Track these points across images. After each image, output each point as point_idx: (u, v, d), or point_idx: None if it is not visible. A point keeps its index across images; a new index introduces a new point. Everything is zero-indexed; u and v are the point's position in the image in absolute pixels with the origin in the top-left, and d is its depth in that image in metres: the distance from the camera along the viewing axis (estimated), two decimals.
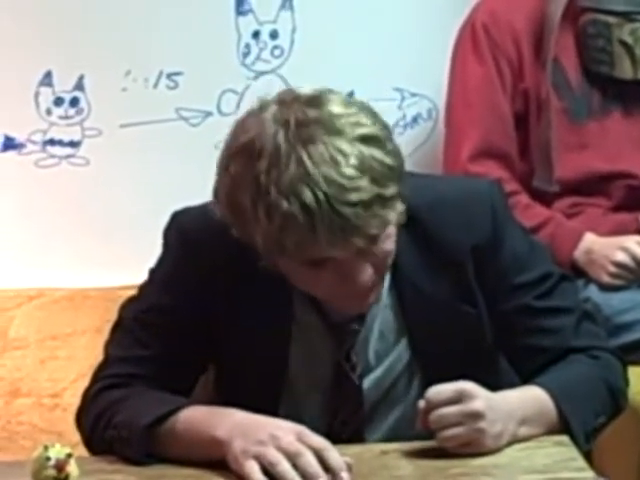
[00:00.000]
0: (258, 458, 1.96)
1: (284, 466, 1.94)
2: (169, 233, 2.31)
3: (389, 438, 2.28)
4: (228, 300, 2.26)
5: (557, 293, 2.29)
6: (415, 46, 3.21)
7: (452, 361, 2.26)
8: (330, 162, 1.97)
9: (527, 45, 3.11)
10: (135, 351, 2.29)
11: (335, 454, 1.97)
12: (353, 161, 1.98)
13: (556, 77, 3.10)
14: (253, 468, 1.95)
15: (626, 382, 2.34)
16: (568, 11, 3.08)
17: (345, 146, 1.99)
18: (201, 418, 2.13)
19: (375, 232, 2.00)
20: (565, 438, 2.16)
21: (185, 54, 3.45)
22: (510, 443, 2.12)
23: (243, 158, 2.03)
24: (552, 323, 2.28)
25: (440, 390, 2.05)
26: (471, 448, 2.05)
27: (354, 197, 1.97)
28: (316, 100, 2.05)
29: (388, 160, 2.02)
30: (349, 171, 1.97)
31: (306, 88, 2.09)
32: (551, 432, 2.17)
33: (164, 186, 3.28)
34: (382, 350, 2.30)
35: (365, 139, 2.02)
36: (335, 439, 2.13)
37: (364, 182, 1.98)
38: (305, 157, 1.97)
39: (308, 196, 1.96)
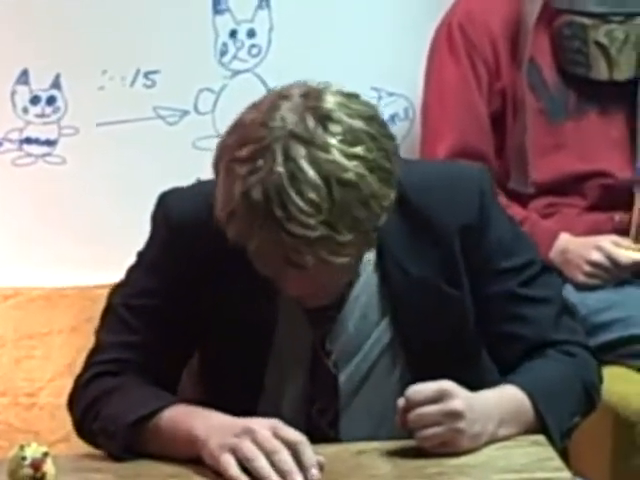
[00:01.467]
0: (234, 451, 1.98)
1: (260, 462, 1.95)
2: (157, 215, 2.32)
3: (370, 427, 2.28)
4: (214, 283, 2.26)
5: (539, 282, 2.29)
6: (392, 45, 3.22)
7: (434, 345, 2.27)
8: (296, 186, 1.96)
9: (503, 46, 3.12)
10: (124, 336, 2.30)
11: (309, 450, 1.98)
12: (318, 200, 1.97)
13: (532, 78, 3.11)
14: (229, 462, 1.97)
15: (600, 379, 2.35)
16: (544, 12, 3.09)
17: (319, 181, 1.97)
18: (182, 418, 2.13)
19: (308, 264, 2.00)
20: (542, 437, 2.17)
21: (162, 53, 3.45)
22: (487, 443, 2.12)
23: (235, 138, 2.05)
24: (532, 312, 2.28)
25: (420, 389, 2.05)
26: (449, 447, 2.05)
27: (297, 230, 1.96)
28: (328, 119, 2.02)
29: (358, 211, 2.00)
30: (306, 207, 1.96)
31: (329, 97, 2.05)
32: (527, 431, 2.17)
33: (141, 185, 3.27)
34: (363, 332, 2.30)
35: (344, 183, 1.99)
36: (314, 428, 2.20)
37: (315, 222, 1.97)
38: (279, 167, 1.96)
39: (259, 199, 1.96)
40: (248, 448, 1.97)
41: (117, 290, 2.35)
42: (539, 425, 2.17)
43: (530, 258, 2.31)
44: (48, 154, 3.46)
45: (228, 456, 1.97)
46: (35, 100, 3.44)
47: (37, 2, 3.40)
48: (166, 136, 3.44)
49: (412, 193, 2.21)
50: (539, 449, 2.10)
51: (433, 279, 2.26)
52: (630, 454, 2.55)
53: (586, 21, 3.07)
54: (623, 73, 3.09)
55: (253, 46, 3.43)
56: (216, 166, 2.07)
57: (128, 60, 3.45)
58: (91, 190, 3.45)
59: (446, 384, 2.06)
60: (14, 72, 3.43)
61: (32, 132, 3.46)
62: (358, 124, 2.03)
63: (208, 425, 2.08)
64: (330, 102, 2.04)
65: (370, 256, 2.26)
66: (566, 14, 3.08)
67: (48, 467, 2.01)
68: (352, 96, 2.10)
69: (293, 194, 1.95)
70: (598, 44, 3.06)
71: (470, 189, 2.28)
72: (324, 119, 2.00)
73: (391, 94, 3.05)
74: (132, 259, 2.37)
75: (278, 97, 2.07)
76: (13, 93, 3.44)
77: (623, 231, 3.03)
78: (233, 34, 3.44)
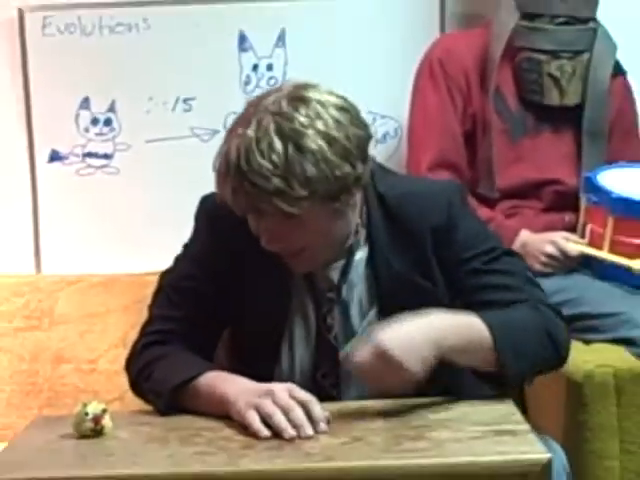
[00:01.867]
0: (257, 409, 1.99)
1: (278, 417, 1.96)
2: (199, 217, 2.36)
3: (365, 388, 2.23)
4: (242, 271, 2.28)
5: (503, 261, 2.25)
6: (384, 78, 3.24)
7: None
8: (260, 147, 2.02)
9: (474, 77, 3.13)
10: (170, 311, 2.32)
11: (318, 407, 2.00)
12: (276, 159, 2.01)
13: (498, 103, 3.11)
14: (254, 417, 1.98)
15: (567, 338, 2.24)
16: (507, 50, 3.09)
17: (279, 144, 2.02)
18: (216, 382, 2.14)
19: (268, 212, 2.06)
20: (507, 398, 2.17)
21: (197, 83, 3.47)
22: (459, 396, 2.13)
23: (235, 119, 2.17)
24: (499, 280, 2.22)
25: (352, 344, 2.09)
26: (394, 381, 2.02)
27: (258, 180, 2.01)
28: (300, 100, 2.08)
29: (310, 172, 2.03)
30: (266, 162, 2.01)
31: (310, 91, 2.09)
32: (485, 361, 2.10)
33: (180, 190, 3.29)
34: (359, 315, 2.30)
35: (299, 147, 2.03)
36: (319, 389, 2.19)
37: (271, 175, 2.01)
38: (250, 132, 2.03)
39: (232, 158, 2.04)
40: (268, 406, 1.98)
41: (166, 274, 2.38)
42: (495, 358, 2.09)
43: (492, 246, 2.27)
44: (105, 166, 3.48)
45: (253, 413, 1.98)
46: (95, 121, 3.46)
47: (96, 43, 3.42)
48: (200, 151, 3.43)
49: (394, 203, 2.24)
50: (504, 407, 2.11)
51: (410, 273, 2.25)
52: (578, 411, 2.54)
53: (541, 57, 3.07)
54: (571, 99, 3.10)
55: (271, 77, 3.45)
56: (222, 143, 2.15)
57: (170, 89, 3.47)
58: (140, 195, 3.47)
59: (374, 330, 2.04)
60: (78, 99, 3.45)
61: (92, 148, 3.47)
62: (328, 110, 2.07)
63: (236, 389, 2.09)
64: (308, 93, 2.09)
65: (364, 253, 2.27)
66: (525, 51, 3.09)
67: (106, 421, 2.04)
68: (336, 94, 2.13)
69: (257, 152, 2.01)
70: (551, 76, 3.07)
71: (439, 199, 2.27)
72: (296, 101, 2.06)
73: (383, 117, 3.07)
74: (173, 252, 2.40)
75: (274, 89, 2.16)
76: (77, 116, 3.45)
77: (572, 228, 3.04)
78: (255, 68, 3.45)
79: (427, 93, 3.16)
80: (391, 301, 2.24)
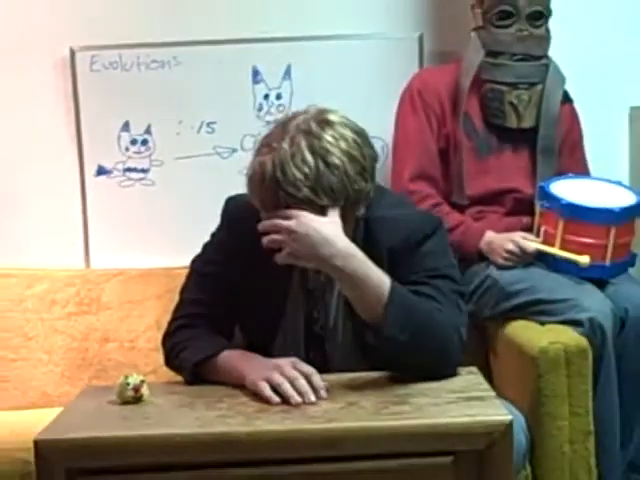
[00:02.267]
0: (268, 380, 2.00)
1: (286, 386, 1.98)
2: (223, 213, 2.40)
3: (350, 364, 2.25)
4: (253, 260, 2.25)
5: (438, 280, 2.18)
6: (374, 104, 3.25)
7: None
8: (294, 161, 2.02)
9: (447, 104, 3.12)
10: (197, 294, 2.35)
11: (318, 377, 2.02)
12: (307, 171, 2.02)
13: (466, 126, 3.11)
14: (265, 387, 2.00)
15: (455, 356, 2.13)
16: (475, 82, 3.09)
17: (311, 159, 2.03)
18: (234, 358, 2.17)
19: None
20: (475, 369, 2.18)
21: (218, 109, 3.46)
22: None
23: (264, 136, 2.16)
24: (428, 292, 2.13)
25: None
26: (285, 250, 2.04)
27: (290, 190, 2.02)
28: (326, 122, 2.09)
29: (334, 185, 2.04)
30: (299, 174, 2.02)
31: (332, 115, 2.11)
32: (370, 312, 2.05)
33: (204, 198, 3.29)
34: (335, 311, 2.30)
35: (327, 163, 2.04)
36: (312, 366, 2.14)
37: (303, 185, 2.02)
38: (285, 147, 2.04)
39: (268, 169, 2.04)
40: (277, 377, 2.00)
41: (196, 259, 2.41)
42: (382, 314, 2.03)
43: (435, 266, 2.21)
44: (143, 179, 3.47)
45: (264, 384, 2.00)
46: (134, 142, 3.46)
47: (135, 77, 3.42)
48: (221, 166, 3.44)
49: (371, 223, 2.22)
50: (473, 377, 2.13)
51: None
52: (534, 381, 2.53)
53: (503, 88, 3.07)
54: (527, 123, 3.09)
55: (280, 105, 3.44)
56: (254, 154, 2.15)
57: (196, 114, 3.45)
58: (171, 203, 3.47)
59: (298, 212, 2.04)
60: (119, 123, 3.45)
61: (132, 164, 3.46)
62: (348, 132, 2.09)
63: (250, 364, 2.11)
64: (331, 116, 2.11)
65: None
66: (489, 83, 3.08)
67: (144, 390, 2.05)
68: (349, 119, 2.15)
69: (292, 165, 2.02)
70: (511, 104, 3.07)
71: (401, 228, 2.23)
72: (323, 123, 2.08)
73: (372, 137, 3.05)
74: (198, 249, 2.43)
75: (299, 112, 2.15)
76: (119, 137, 3.45)
77: (528, 229, 3.03)
78: (266, 97, 3.45)
79: (408, 117, 3.15)
80: None
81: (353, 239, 2.12)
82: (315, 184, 2.03)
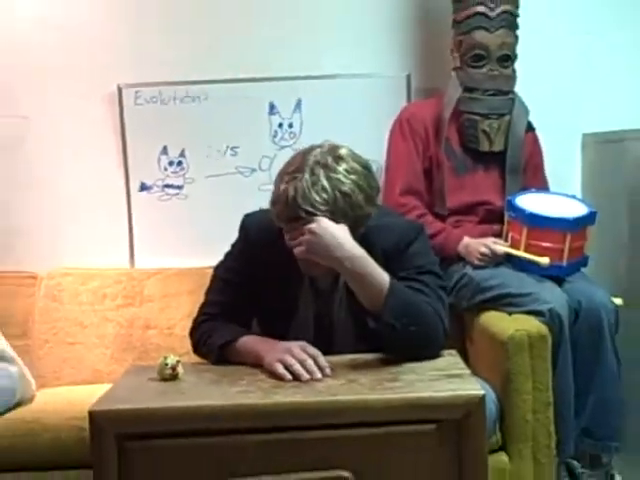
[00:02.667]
0: (281, 361, 2.01)
1: (296, 366, 1.99)
2: (241, 226, 2.39)
3: (350, 347, 2.26)
4: (267, 270, 2.27)
5: (425, 276, 2.20)
6: (370, 132, 3.24)
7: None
8: (315, 189, 2.06)
9: (431, 131, 3.11)
10: (217, 297, 2.35)
11: (323, 359, 2.04)
12: (326, 197, 2.07)
13: (447, 149, 3.10)
14: (279, 367, 2.00)
15: (440, 336, 2.13)
16: (454, 113, 3.08)
17: (329, 188, 2.07)
18: (252, 342, 2.18)
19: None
20: (454, 352, 2.18)
21: (241, 136, 3.45)
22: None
23: (286, 165, 2.16)
24: (416, 286, 2.15)
25: None
26: (304, 244, 2.07)
27: (309, 208, 2.06)
28: (340, 157, 2.12)
29: (347, 209, 2.09)
30: (319, 199, 2.06)
31: (343, 150, 2.15)
32: (372, 302, 2.07)
33: (229, 210, 3.27)
34: (338, 308, 2.30)
35: (342, 192, 2.08)
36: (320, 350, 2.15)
37: (323, 209, 2.06)
38: (306, 177, 2.07)
39: (290, 194, 2.07)
40: (289, 359, 2.01)
41: (219, 266, 2.40)
42: (381, 304, 2.06)
43: (422, 264, 2.22)
44: (178, 194, 3.46)
45: (278, 364, 2.01)
46: (171, 163, 3.45)
47: (171, 109, 3.42)
48: (243, 183, 3.43)
49: (369, 230, 2.21)
50: (452, 358, 2.13)
51: None
52: (503, 361, 2.53)
53: (477, 118, 3.06)
54: (497, 147, 3.08)
55: (291, 132, 3.43)
56: (275, 181, 2.15)
57: (222, 140, 3.45)
58: (202, 213, 3.46)
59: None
60: (159, 148, 3.45)
61: (169, 181, 3.46)
62: (357, 166, 2.12)
63: (266, 347, 2.11)
64: (343, 152, 2.13)
65: None
66: (466, 114, 3.08)
67: (179, 369, 2.05)
68: (356, 154, 2.17)
69: (313, 193, 2.06)
70: (484, 131, 3.06)
71: (393, 233, 2.25)
72: (337, 158, 2.11)
73: (369, 159, 3.06)
74: (222, 252, 2.43)
75: (315, 146, 2.16)
76: (159, 159, 3.45)
77: (498, 235, 3.03)
78: (280, 125, 3.44)
79: (398, 142, 3.14)
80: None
81: None
82: (332, 208, 2.08)
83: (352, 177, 2.10)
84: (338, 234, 2.07)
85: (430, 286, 2.18)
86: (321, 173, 2.08)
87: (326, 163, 2.10)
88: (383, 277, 2.08)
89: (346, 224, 2.10)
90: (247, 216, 2.40)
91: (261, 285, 2.30)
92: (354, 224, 2.12)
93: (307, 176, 2.07)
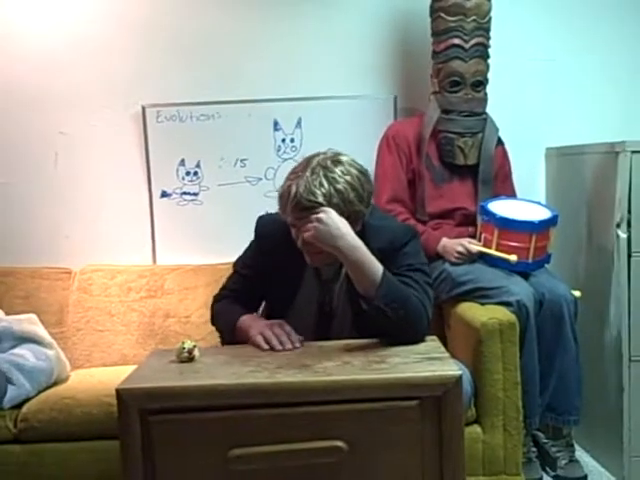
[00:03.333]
0: (261, 334, 2.14)
1: (274, 340, 2.11)
2: (256, 229, 2.41)
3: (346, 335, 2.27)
4: (274, 263, 2.30)
5: (414, 273, 2.21)
6: (361, 146, 3.15)
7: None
8: (315, 184, 2.12)
9: (413, 147, 3.10)
10: (235, 285, 2.42)
11: (295, 335, 2.17)
12: (324, 191, 2.11)
13: (427, 163, 3.09)
14: (259, 339, 2.13)
15: (423, 326, 2.14)
16: (434, 131, 3.07)
17: (326, 185, 2.12)
18: (245, 321, 2.26)
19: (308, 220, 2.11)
20: (435, 337, 2.18)
21: (249, 150, 3.43)
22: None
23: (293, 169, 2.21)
24: (405, 280, 2.15)
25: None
26: (311, 230, 2.09)
27: (307, 204, 2.11)
28: (338, 162, 2.18)
29: (340, 204, 2.13)
30: (317, 191, 2.11)
31: (343, 157, 2.21)
32: (366, 288, 2.08)
33: (239, 214, 3.26)
34: (339, 295, 2.30)
35: (336, 189, 2.13)
36: (322, 333, 2.26)
37: (320, 201, 2.11)
38: (307, 175, 2.13)
39: (293, 190, 2.12)
40: (267, 332, 2.13)
41: (238, 260, 2.46)
42: (373, 292, 2.07)
43: (411, 262, 2.23)
44: (194, 200, 3.44)
45: (259, 336, 2.14)
46: (188, 173, 3.43)
47: (188, 126, 3.40)
48: (251, 191, 3.41)
49: (367, 229, 2.24)
50: (433, 343, 2.14)
51: None
52: (477, 345, 2.52)
53: (453, 136, 3.05)
54: (471, 161, 3.07)
55: (293, 146, 3.41)
56: (283, 182, 2.20)
57: (232, 153, 3.43)
58: (215, 217, 3.44)
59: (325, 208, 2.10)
60: (177, 160, 3.43)
61: (186, 189, 3.44)
62: (353, 170, 2.17)
63: (253, 324, 2.21)
64: (342, 158, 2.19)
65: None
66: (444, 132, 3.06)
67: (196, 352, 2.05)
68: (356, 162, 2.23)
69: (313, 187, 2.12)
70: (459, 147, 3.05)
71: (387, 234, 2.26)
72: (336, 162, 2.17)
73: None
74: (236, 251, 2.46)
75: (320, 152, 2.23)
76: (177, 170, 3.43)
77: (473, 236, 3.01)
78: (283, 140, 3.42)
79: (385, 157, 3.13)
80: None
81: None
82: (328, 200, 2.12)
83: (346, 177, 2.15)
84: (342, 226, 2.09)
85: (418, 282, 2.19)
86: (320, 172, 2.13)
87: (326, 165, 2.16)
88: (377, 267, 2.10)
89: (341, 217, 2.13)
90: (260, 217, 2.44)
91: (271, 276, 2.32)
92: (347, 219, 2.14)
93: (308, 174, 2.13)
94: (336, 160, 2.18)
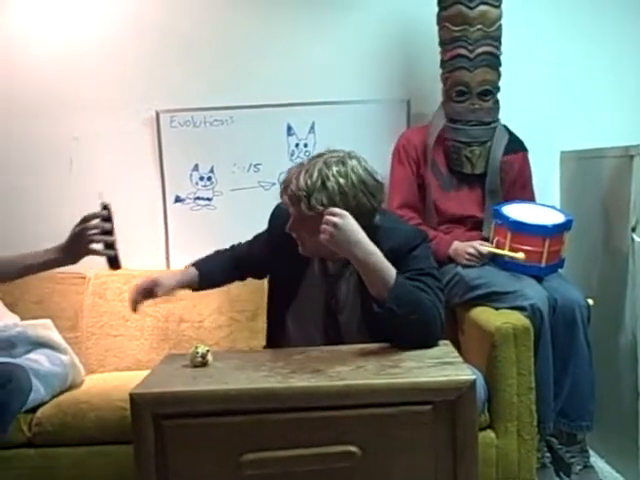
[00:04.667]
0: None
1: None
2: (270, 216, 2.48)
3: (357, 336, 2.26)
4: (280, 248, 2.33)
5: (425, 277, 2.19)
6: (375, 152, 3.12)
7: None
8: (307, 175, 2.17)
9: (422, 155, 3.10)
10: (241, 248, 2.60)
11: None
12: (309, 183, 2.15)
13: (435, 170, 3.09)
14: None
15: (437, 331, 2.14)
16: (441, 140, 3.07)
17: (316, 176, 2.15)
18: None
19: (294, 213, 2.19)
20: (448, 342, 2.17)
21: (262, 155, 3.44)
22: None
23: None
24: (418, 285, 2.14)
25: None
26: (329, 235, 2.06)
27: (293, 188, 2.17)
28: (342, 162, 2.19)
29: (324, 199, 2.14)
30: (302, 183, 2.16)
31: (352, 160, 2.21)
32: (378, 291, 2.07)
33: (252, 218, 3.22)
34: (346, 291, 2.30)
35: (324, 184, 2.15)
36: (327, 336, 2.28)
37: (300, 190, 2.15)
38: (306, 168, 2.19)
39: (287, 176, 2.23)
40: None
41: (252, 238, 2.57)
42: (386, 295, 2.06)
43: (423, 267, 2.22)
44: (208, 205, 3.46)
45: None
46: (201, 178, 3.45)
47: (202, 131, 3.42)
48: (264, 195, 3.41)
49: (379, 231, 2.23)
50: (446, 347, 2.13)
51: None
52: (491, 350, 2.51)
53: (461, 145, 3.04)
54: (479, 170, 3.06)
55: (306, 151, 3.41)
56: None
57: (246, 158, 3.44)
58: (228, 222, 3.43)
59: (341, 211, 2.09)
60: (191, 165, 3.45)
61: (200, 194, 3.45)
62: (353, 175, 2.17)
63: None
64: (350, 161, 2.20)
65: None
66: (451, 141, 3.06)
67: (209, 357, 2.06)
68: (367, 171, 2.21)
69: (301, 178, 2.17)
70: (466, 156, 3.04)
71: (399, 235, 2.26)
72: (339, 162, 2.19)
73: None
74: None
75: (339, 150, 2.26)
76: (191, 175, 3.45)
77: (485, 240, 3.00)
78: (297, 145, 3.43)
79: (396, 166, 3.14)
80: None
81: None
82: (309, 192, 2.15)
83: (340, 180, 2.15)
84: (358, 232, 2.08)
85: (430, 286, 2.18)
86: (318, 165, 2.16)
87: (327, 162, 2.17)
88: (391, 272, 2.09)
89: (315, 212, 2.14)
90: (277, 206, 2.46)
91: (276, 269, 2.36)
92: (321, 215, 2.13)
93: (307, 165, 2.18)
94: (341, 160, 2.19)
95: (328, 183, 2.14)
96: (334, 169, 2.15)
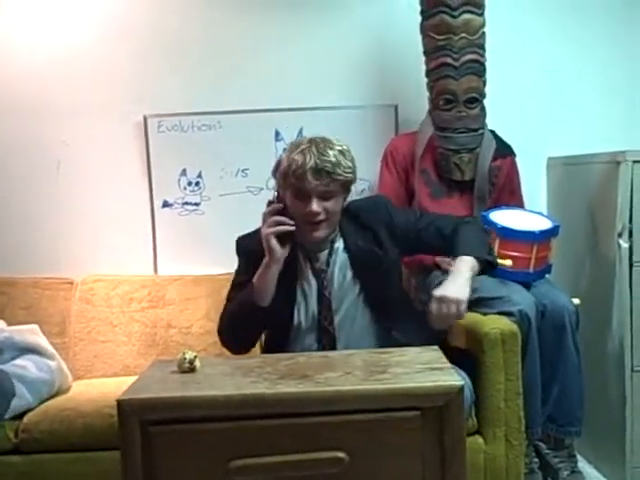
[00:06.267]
0: (267, 235, 2.32)
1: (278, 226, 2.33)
2: (237, 248, 2.53)
3: (353, 340, 2.35)
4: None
5: (427, 214, 2.53)
6: (363, 155, 3.17)
7: (377, 286, 2.36)
8: (326, 149, 2.29)
9: (410, 163, 3.12)
10: (233, 295, 2.44)
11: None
12: (333, 157, 2.29)
13: (425, 178, 3.10)
14: (270, 237, 2.32)
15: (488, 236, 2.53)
16: (430, 147, 3.08)
17: (329, 150, 2.29)
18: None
19: (322, 189, 2.28)
20: (436, 347, 2.16)
21: (250, 160, 3.44)
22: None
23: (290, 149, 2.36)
24: (440, 222, 2.41)
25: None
26: (455, 314, 2.23)
27: (327, 167, 2.27)
28: (329, 140, 2.34)
29: (347, 171, 2.32)
30: (332, 157, 2.28)
31: (332, 139, 2.37)
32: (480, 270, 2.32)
33: (241, 223, 3.24)
34: (341, 279, 2.39)
35: (341, 152, 2.33)
36: (322, 328, 2.34)
37: (338, 162, 2.29)
38: (314, 149, 2.29)
39: (308, 158, 2.28)
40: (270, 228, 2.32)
41: (232, 281, 2.50)
42: (479, 261, 2.30)
43: (415, 211, 2.60)
44: (196, 210, 3.46)
45: (268, 236, 2.31)
46: (189, 183, 3.45)
47: (190, 136, 3.42)
48: (252, 200, 3.41)
49: (354, 211, 2.42)
50: (434, 353, 2.11)
51: (369, 246, 2.39)
52: (480, 355, 2.51)
53: (449, 153, 3.05)
54: (467, 177, 3.06)
55: None
56: (286, 154, 2.36)
57: (234, 163, 3.44)
58: (217, 227, 3.44)
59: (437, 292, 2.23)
60: (179, 170, 3.45)
61: (188, 199, 3.45)
62: (343, 144, 2.36)
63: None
64: (333, 139, 2.35)
65: (340, 243, 2.40)
66: (440, 149, 3.06)
67: (197, 362, 2.04)
68: (344, 144, 2.37)
69: (324, 151, 2.29)
70: (455, 163, 3.05)
71: (380, 205, 2.46)
72: (324, 138, 2.35)
73: (361, 179, 3.07)
74: (236, 262, 2.49)
75: (314, 136, 2.38)
76: (179, 180, 3.44)
77: None
78: (284, 151, 3.41)
79: (385, 172, 3.16)
80: (359, 265, 2.38)
81: (341, 229, 2.41)
82: (338, 161, 2.29)
83: (342, 144, 2.36)
84: (454, 282, 2.26)
85: (437, 215, 2.52)
86: (321, 144, 2.30)
87: (323, 141, 2.31)
88: (471, 264, 2.29)
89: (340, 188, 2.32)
90: (238, 238, 2.54)
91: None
92: (351, 183, 2.37)
93: (313, 146, 2.29)
94: (328, 139, 2.34)
95: (340, 148, 2.31)
96: (332, 139, 2.33)
